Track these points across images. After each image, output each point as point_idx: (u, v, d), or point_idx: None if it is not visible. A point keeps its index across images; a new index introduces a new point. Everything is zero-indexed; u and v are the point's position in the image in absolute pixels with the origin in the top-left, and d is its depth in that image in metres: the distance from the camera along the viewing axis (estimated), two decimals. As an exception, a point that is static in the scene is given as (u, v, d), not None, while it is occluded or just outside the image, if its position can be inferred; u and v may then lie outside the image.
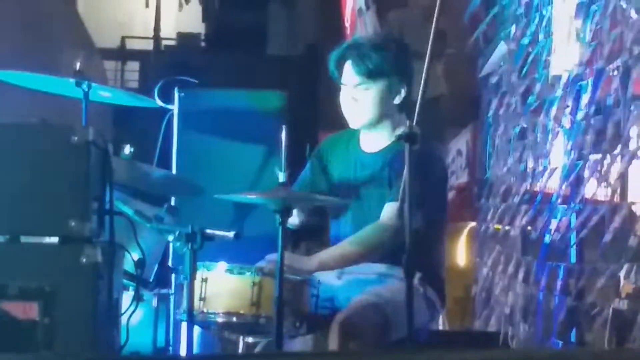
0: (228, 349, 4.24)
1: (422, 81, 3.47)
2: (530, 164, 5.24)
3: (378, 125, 4.07)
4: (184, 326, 4.44)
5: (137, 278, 3.94)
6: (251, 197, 4.08)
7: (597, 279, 4.25)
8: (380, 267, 3.96)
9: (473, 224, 6.85)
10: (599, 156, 4.33)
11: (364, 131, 4.11)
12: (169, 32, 15.11)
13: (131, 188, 4.23)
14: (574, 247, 4.63)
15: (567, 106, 4.69)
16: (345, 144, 4.16)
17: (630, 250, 4.00)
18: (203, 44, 14.59)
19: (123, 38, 15.35)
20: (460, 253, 6.98)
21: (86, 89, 4.29)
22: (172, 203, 4.88)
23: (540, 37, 5.13)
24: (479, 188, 6.74)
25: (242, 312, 3.69)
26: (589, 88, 4.48)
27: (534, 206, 5.02)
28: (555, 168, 4.84)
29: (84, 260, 3.25)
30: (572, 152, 4.61)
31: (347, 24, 7.76)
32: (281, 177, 3.71)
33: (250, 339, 3.87)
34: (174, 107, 5.20)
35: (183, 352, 4.53)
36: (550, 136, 4.96)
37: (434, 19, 3.65)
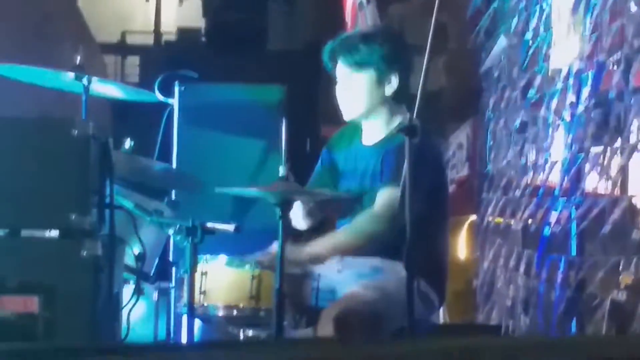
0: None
1: (422, 74, 3.46)
2: (531, 157, 5.24)
3: (370, 116, 4.06)
4: (184, 319, 4.44)
5: (138, 271, 3.95)
6: (251, 191, 4.08)
7: (597, 271, 4.25)
8: (379, 261, 3.95)
9: (474, 217, 6.86)
10: (599, 149, 4.32)
11: (364, 124, 4.10)
12: (169, 26, 15.11)
13: (131, 182, 4.22)
14: (574, 239, 4.63)
15: (571, 102, 4.68)
16: (349, 138, 4.17)
17: (632, 243, 4.00)
18: (203, 38, 14.57)
19: (123, 33, 15.35)
20: (461, 246, 6.98)
21: (86, 83, 4.30)
22: (173, 197, 4.88)
23: (541, 30, 5.12)
24: (480, 181, 6.75)
25: (241, 305, 3.69)
26: (590, 81, 4.48)
27: (535, 199, 5.02)
28: (556, 161, 4.84)
29: (85, 253, 3.25)
30: (573, 145, 4.60)
31: (348, 18, 7.74)
32: (281, 170, 3.71)
33: (250, 332, 3.87)
34: (175, 101, 5.20)
35: (184, 346, 4.53)
36: (550, 129, 4.96)
37: (434, 13, 3.64)
